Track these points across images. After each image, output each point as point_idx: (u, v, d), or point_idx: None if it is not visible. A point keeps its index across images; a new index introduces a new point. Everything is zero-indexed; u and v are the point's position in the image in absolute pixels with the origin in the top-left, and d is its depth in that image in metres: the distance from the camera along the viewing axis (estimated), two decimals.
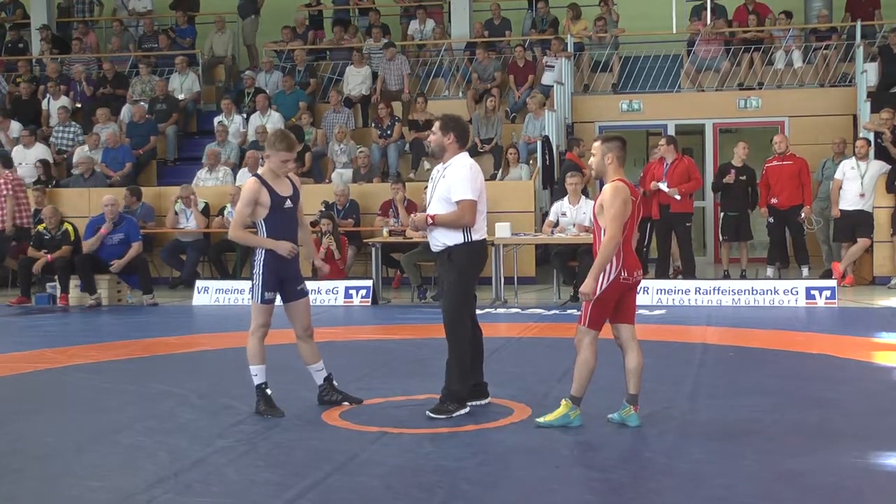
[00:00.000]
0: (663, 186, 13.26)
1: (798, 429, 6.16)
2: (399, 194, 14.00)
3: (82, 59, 19.31)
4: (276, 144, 6.70)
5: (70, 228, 13.41)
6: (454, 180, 6.62)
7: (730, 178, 13.84)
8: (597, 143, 6.33)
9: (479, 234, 6.72)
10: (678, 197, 13.29)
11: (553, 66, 16.90)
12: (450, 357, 6.66)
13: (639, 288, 6.50)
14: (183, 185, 15.18)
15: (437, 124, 6.80)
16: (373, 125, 16.77)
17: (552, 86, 16.49)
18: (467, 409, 6.62)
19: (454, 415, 6.54)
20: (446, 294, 6.75)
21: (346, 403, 6.92)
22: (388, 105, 16.66)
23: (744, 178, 13.94)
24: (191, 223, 14.78)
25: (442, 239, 6.68)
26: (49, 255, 13.13)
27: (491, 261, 12.08)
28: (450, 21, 18.89)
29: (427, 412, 6.56)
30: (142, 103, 17.59)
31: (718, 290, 12.31)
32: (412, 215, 7.01)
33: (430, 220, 6.66)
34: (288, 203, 6.74)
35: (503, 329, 10.52)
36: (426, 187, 7.15)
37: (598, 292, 6.08)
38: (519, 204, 14.39)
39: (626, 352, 6.25)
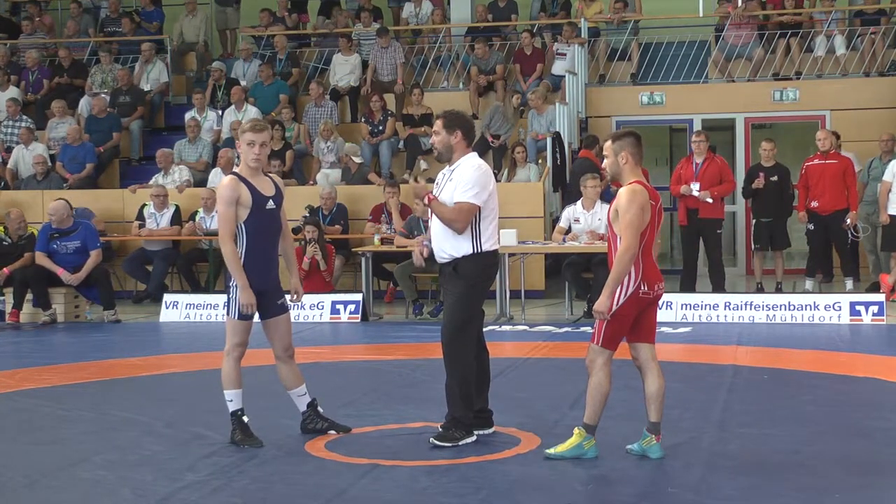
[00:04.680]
0: (695, 190, 13.27)
1: (841, 462, 6.17)
2: (393, 198, 14.02)
3: (35, 44, 19.33)
4: (239, 129, 6.84)
5: (36, 233, 13.37)
6: (460, 182, 6.64)
7: (759, 183, 13.85)
8: (608, 143, 6.34)
9: (489, 243, 6.73)
10: (710, 200, 13.33)
11: (565, 54, 16.95)
12: (449, 380, 6.67)
13: (660, 303, 6.51)
14: (156, 184, 15.20)
15: (439, 122, 6.80)
16: (362, 120, 16.79)
17: (563, 76, 16.53)
18: (474, 438, 6.64)
19: (460, 443, 6.56)
20: (448, 310, 6.77)
21: (332, 432, 6.93)
22: (380, 98, 16.68)
23: (775, 178, 13.96)
24: (162, 224, 14.76)
25: (449, 250, 6.69)
26: (6, 269, 13.09)
27: None
28: (449, 4, 18.95)
29: (431, 439, 6.58)
30: (103, 95, 17.59)
31: (751, 305, 12.32)
32: (413, 181, 6.99)
33: (430, 198, 6.72)
34: (270, 204, 6.76)
35: (509, 349, 10.53)
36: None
37: (613, 309, 6.09)
38: (527, 208, 14.42)
39: (645, 374, 6.25)
